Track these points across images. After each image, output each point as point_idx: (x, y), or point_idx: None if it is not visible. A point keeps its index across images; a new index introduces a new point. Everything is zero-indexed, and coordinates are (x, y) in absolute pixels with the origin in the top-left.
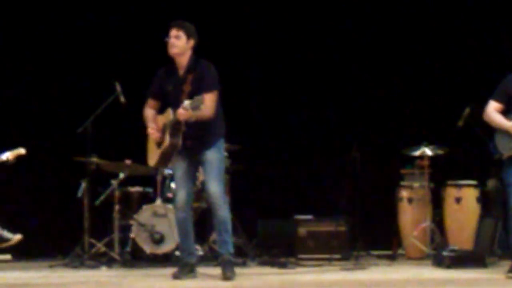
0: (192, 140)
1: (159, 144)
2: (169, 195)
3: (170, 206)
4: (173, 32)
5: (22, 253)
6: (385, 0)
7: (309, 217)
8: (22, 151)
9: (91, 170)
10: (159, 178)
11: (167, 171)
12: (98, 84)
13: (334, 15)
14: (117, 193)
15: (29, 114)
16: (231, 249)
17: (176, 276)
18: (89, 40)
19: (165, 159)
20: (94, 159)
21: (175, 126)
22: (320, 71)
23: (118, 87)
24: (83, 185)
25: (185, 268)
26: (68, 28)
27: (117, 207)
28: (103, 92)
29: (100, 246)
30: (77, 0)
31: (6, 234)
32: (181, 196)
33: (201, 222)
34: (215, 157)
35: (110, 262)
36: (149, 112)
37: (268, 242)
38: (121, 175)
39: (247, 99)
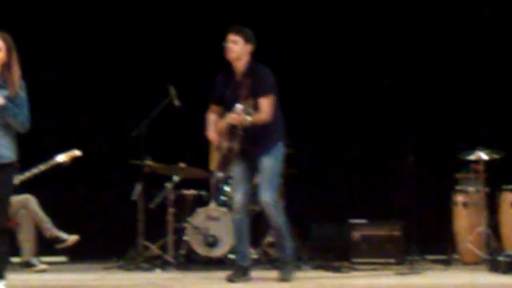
0: (249, 144)
1: (218, 148)
2: (223, 198)
3: (224, 209)
4: (231, 37)
5: (78, 255)
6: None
7: (363, 221)
8: (77, 153)
9: (146, 173)
10: (213, 181)
11: (221, 175)
12: (153, 87)
13: (394, 14)
14: (171, 196)
15: (84, 116)
16: (289, 253)
17: (230, 279)
18: (145, 43)
19: (224, 163)
20: (149, 162)
21: (230, 130)
22: (375, 74)
23: (172, 91)
24: (138, 187)
25: (239, 271)
26: (124, 32)
27: (171, 210)
28: (157, 95)
29: (155, 249)
30: (131, 4)
31: (62, 235)
32: (238, 198)
33: (255, 225)
34: (270, 164)
35: (164, 265)
36: (211, 117)
37: (322, 246)
38: (175, 178)
39: (301, 102)
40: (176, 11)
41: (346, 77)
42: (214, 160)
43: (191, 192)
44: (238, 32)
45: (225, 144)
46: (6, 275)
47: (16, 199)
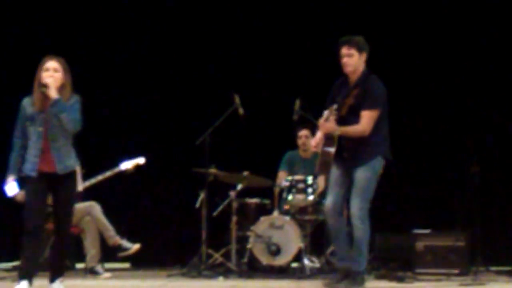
0: (347, 152)
1: (320, 152)
2: (286, 207)
3: (287, 218)
4: (345, 50)
5: (141, 262)
6: None
7: (427, 231)
8: (141, 161)
9: (209, 181)
10: (276, 190)
11: (285, 183)
12: (217, 95)
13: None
14: (234, 204)
15: (148, 125)
16: (359, 268)
17: (326, 285)
18: (209, 51)
19: (323, 166)
20: (213, 170)
21: (328, 136)
22: (439, 83)
23: (237, 99)
24: (201, 196)
25: (339, 274)
26: (189, 38)
27: (234, 218)
28: (222, 104)
29: (218, 257)
30: (196, 11)
31: (126, 243)
32: (328, 201)
33: (318, 235)
34: (364, 177)
35: (227, 273)
36: None
37: (385, 256)
38: (239, 186)
39: None
40: (241, 18)
41: (410, 86)
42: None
43: (254, 200)
44: (351, 45)
45: (322, 149)
46: (32, 279)
47: (81, 205)
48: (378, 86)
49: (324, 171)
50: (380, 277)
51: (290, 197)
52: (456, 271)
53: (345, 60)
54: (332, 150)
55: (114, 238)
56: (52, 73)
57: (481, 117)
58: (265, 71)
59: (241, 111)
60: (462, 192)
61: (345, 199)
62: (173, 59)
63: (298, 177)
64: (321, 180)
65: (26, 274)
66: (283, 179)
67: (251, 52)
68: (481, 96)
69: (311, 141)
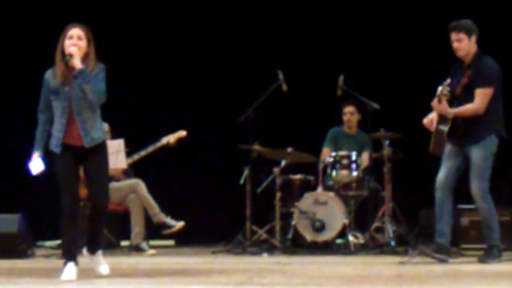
0: (461, 130)
1: (434, 130)
2: (330, 183)
3: (331, 194)
4: (454, 36)
5: (185, 239)
6: None
7: (472, 206)
8: (183, 133)
9: (253, 157)
10: (320, 166)
11: (328, 160)
12: (261, 72)
13: None
14: (278, 181)
15: (194, 102)
16: (494, 241)
17: (441, 259)
18: (253, 28)
19: (436, 145)
20: (256, 147)
21: (440, 114)
22: None
23: (281, 75)
24: (246, 172)
25: (439, 249)
26: (232, 15)
27: (278, 194)
28: (266, 80)
29: (262, 233)
30: None
31: (170, 221)
32: (439, 177)
33: (362, 211)
34: (480, 155)
35: (271, 249)
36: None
37: (430, 232)
38: (283, 163)
39: (407, 88)
40: None
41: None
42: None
43: (298, 176)
44: (460, 29)
45: (436, 127)
46: (77, 259)
47: (126, 183)
48: (491, 65)
49: (437, 149)
50: (425, 252)
51: (334, 173)
52: (501, 246)
53: (455, 45)
54: (445, 128)
55: (159, 215)
56: (76, 41)
57: None
58: (309, 46)
59: (284, 87)
60: (508, 166)
61: (458, 174)
62: (217, 34)
63: (342, 153)
64: (365, 156)
65: (72, 255)
66: (327, 155)
67: (295, 27)
68: None
69: (424, 120)
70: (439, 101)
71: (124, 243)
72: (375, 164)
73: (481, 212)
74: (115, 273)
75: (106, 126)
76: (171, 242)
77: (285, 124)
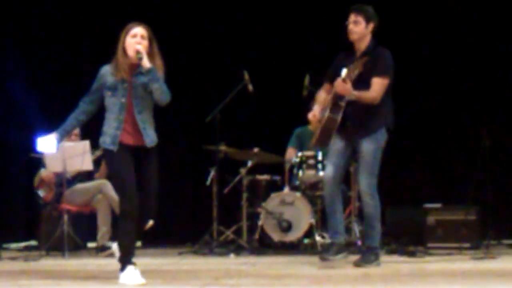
0: (352, 121)
1: (320, 121)
2: (297, 183)
3: (298, 194)
4: (352, 17)
5: (152, 240)
6: None
7: (438, 205)
8: None
9: (220, 158)
10: (287, 166)
11: (295, 160)
12: (227, 72)
13: None
14: (245, 181)
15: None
16: (373, 243)
17: (322, 258)
18: (219, 30)
19: (324, 136)
20: (223, 147)
21: (334, 102)
22: (449, 58)
23: (246, 76)
24: (212, 173)
25: (332, 248)
26: (197, 17)
27: (245, 195)
28: (232, 81)
29: (229, 234)
30: None
31: None
32: (327, 171)
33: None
34: (370, 149)
35: (238, 250)
36: (321, 95)
37: (396, 231)
38: (249, 163)
39: None
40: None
41: (422, 59)
42: (315, 135)
43: (265, 177)
44: (359, 12)
45: (326, 115)
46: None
47: (92, 184)
48: (389, 56)
49: (325, 140)
50: (391, 251)
51: (300, 173)
52: (467, 245)
53: (351, 27)
54: (338, 117)
55: None
56: (140, 40)
57: (492, 90)
58: (274, 47)
59: (250, 87)
60: (473, 165)
61: (345, 170)
62: (181, 35)
63: (308, 153)
64: None
65: (131, 258)
66: (293, 155)
67: (260, 28)
68: (493, 69)
69: (309, 114)
70: (344, 81)
71: (91, 244)
72: None
73: (366, 209)
74: (81, 275)
75: (76, 130)
76: (137, 243)
77: (251, 125)
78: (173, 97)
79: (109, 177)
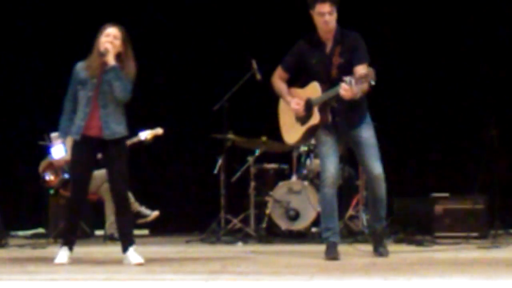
0: (340, 116)
1: (302, 120)
2: (305, 171)
3: (305, 183)
4: (326, 8)
5: (160, 229)
6: None
7: (446, 195)
8: (160, 131)
9: (228, 147)
10: (295, 154)
11: (303, 148)
12: (235, 61)
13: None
14: (253, 170)
15: (167, 91)
16: (383, 223)
17: (334, 258)
18: (227, 17)
19: (309, 136)
20: (230, 136)
21: (327, 102)
22: (456, 47)
23: (255, 64)
24: (220, 161)
25: (336, 248)
26: (217, 5)
27: (253, 183)
28: (240, 69)
29: (236, 222)
30: None
31: (145, 210)
32: (331, 172)
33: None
34: (370, 135)
35: (245, 238)
36: (280, 84)
37: (404, 220)
38: (257, 152)
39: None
40: None
41: (428, 49)
42: (292, 132)
43: (272, 165)
44: (334, 2)
45: (318, 117)
46: (73, 247)
47: (99, 173)
48: (361, 40)
49: (307, 140)
50: (399, 241)
51: (308, 162)
52: (475, 234)
53: (327, 18)
54: (329, 116)
55: (133, 205)
56: (112, 39)
57: (499, 79)
58: (283, 35)
59: (258, 76)
60: (481, 155)
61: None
62: (190, 24)
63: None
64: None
65: (68, 241)
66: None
67: (269, 16)
68: (498, 58)
69: (294, 106)
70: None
71: (99, 232)
72: (350, 153)
73: (380, 192)
74: (89, 262)
75: None
76: (145, 231)
77: (259, 113)
78: (181, 86)
79: None
